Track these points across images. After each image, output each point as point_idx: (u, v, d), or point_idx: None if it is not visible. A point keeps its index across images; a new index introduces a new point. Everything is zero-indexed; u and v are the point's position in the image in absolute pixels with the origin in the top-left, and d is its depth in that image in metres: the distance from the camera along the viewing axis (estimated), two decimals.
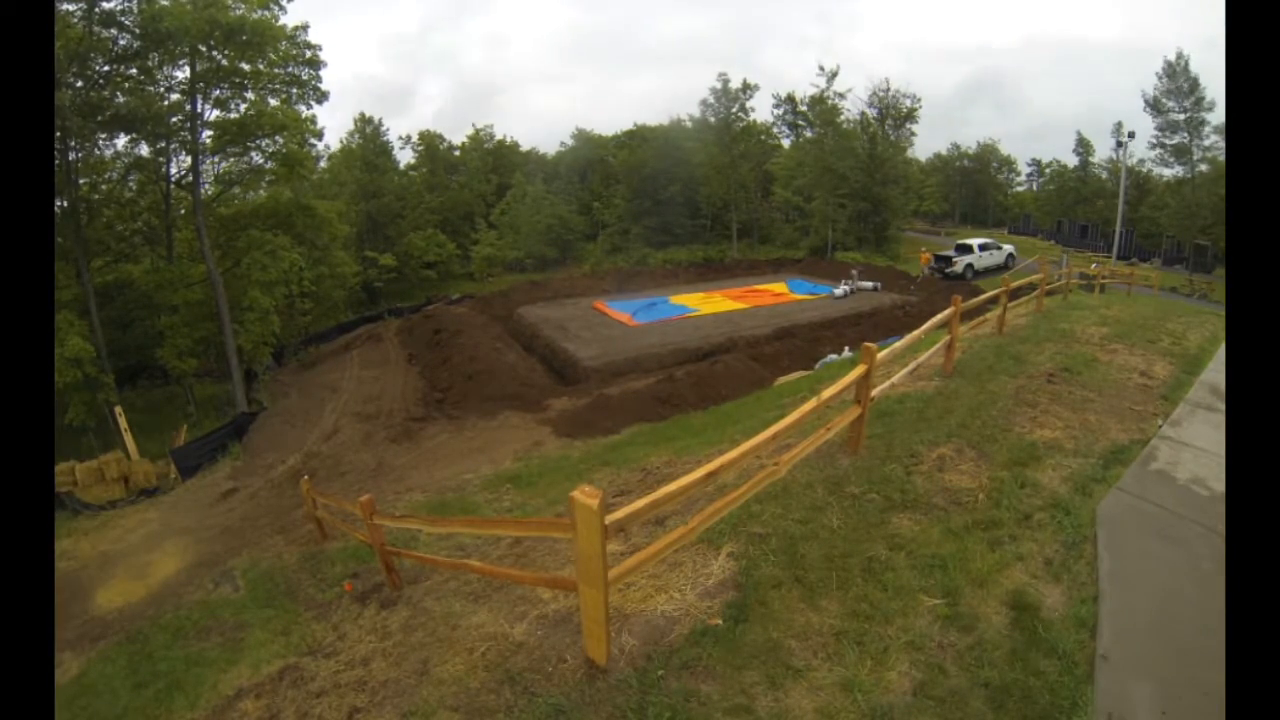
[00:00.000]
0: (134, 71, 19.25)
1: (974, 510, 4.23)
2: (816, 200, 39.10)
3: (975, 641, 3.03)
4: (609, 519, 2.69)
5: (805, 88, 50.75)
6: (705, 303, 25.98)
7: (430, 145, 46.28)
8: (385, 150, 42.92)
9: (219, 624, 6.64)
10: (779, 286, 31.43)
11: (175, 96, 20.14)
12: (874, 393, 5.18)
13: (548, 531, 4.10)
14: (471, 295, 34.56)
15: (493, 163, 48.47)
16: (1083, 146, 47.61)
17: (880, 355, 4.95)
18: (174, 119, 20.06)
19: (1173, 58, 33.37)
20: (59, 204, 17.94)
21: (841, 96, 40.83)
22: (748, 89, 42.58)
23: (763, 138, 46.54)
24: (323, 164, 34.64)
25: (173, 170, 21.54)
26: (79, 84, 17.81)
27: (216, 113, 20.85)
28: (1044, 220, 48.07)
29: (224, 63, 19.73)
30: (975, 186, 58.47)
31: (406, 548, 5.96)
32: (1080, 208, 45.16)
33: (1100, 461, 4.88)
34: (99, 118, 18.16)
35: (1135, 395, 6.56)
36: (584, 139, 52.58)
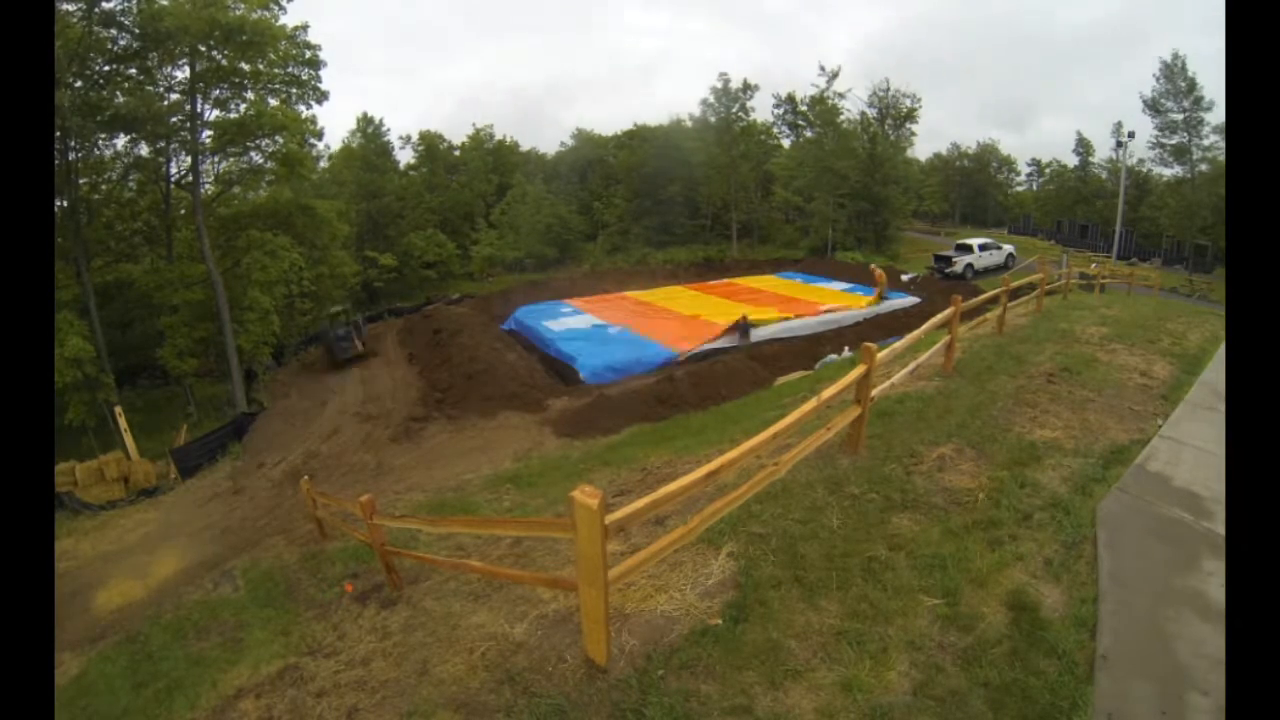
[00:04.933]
0: (134, 71, 19.26)
1: (974, 510, 4.23)
2: (816, 200, 39.12)
3: (975, 641, 3.03)
4: (609, 519, 2.69)
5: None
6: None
7: (430, 145, 46.28)
8: (385, 150, 42.95)
9: (219, 624, 6.64)
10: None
11: (175, 96, 20.15)
12: (874, 393, 5.18)
13: (548, 531, 4.10)
14: (471, 295, 34.57)
15: (493, 163, 48.47)
16: (1083, 146, 47.66)
17: (880, 355, 4.95)
18: (174, 119, 20.06)
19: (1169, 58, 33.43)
20: (59, 204, 17.94)
21: (841, 96, 40.92)
22: (748, 89, 42.66)
23: (763, 138, 46.55)
24: (323, 164, 34.62)
25: (173, 170, 21.56)
26: (79, 84, 17.81)
27: (216, 113, 20.87)
28: (1044, 220, 48.09)
29: (224, 63, 19.72)
30: (975, 186, 58.48)
31: (406, 548, 5.96)
32: (1080, 208, 45.17)
33: (1100, 461, 4.88)
34: (99, 118, 18.16)
35: (1135, 395, 6.56)
36: (584, 139, 52.59)
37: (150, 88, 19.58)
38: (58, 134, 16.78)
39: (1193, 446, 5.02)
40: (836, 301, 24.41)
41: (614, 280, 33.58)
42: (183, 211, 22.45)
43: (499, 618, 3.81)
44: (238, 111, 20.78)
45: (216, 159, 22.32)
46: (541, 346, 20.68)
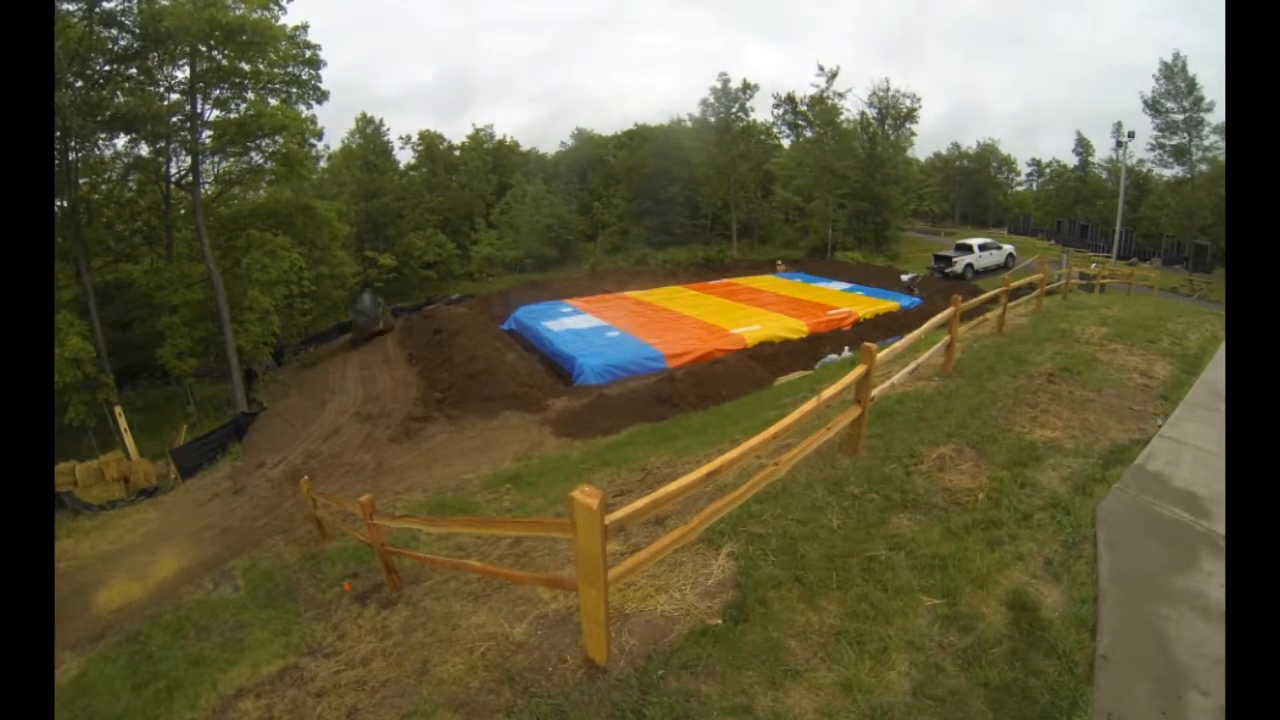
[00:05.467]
0: (134, 71, 19.25)
1: (974, 510, 4.23)
2: (816, 200, 39.13)
3: (975, 641, 3.03)
4: (609, 519, 2.69)
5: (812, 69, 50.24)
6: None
7: (430, 145, 46.28)
8: (385, 150, 42.94)
9: (219, 624, 6.65)
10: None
11: (175, 96, 20.14)
12: (874, 393, 5.18)
13: (548, 531, 4.10)
14: (471, 295, 34.58)
15: (493, 163, 48.48)
16: (1083, 146, 47.71)
17: (880, 355, 4.95)
18: (174, 119, 20.05)
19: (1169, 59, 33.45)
20: (59, 204, 17.93)
21: (841, 96, 40.93)
22: (748, 89, 42.67)
23: (763, 138, 46.54)
24: (322, 164, 34.63)
25: (173, 170, 21.55)
26: (79, 84, 17.80)
27: (216, 113, 20.86)
28: (1044, 220, 48.10)
29: (224, 63, 19.72)
30: (975, 186, 58.48)
31: (406, 548, 5.97)
32: (1080, 208, 45.20)
33: (1100, 461, 4.88)
34: (99, 118, 18.14)
35: (1135, 395, 6.56)
36: (584, 139, 52.62)
37: (150, 88, 19.56)
38: (58, 134, 16.77)
39: (1193, 446, 5.02)
40: (839, 303, 24.37)
41: (614, 280, 33.59)
42: (183, 211, 22.45)
43: (499, 618, 3.81)
44: (238, 111, 20.77)
45: (216, 159, 22.32)
46: (541, 346, 20.66)
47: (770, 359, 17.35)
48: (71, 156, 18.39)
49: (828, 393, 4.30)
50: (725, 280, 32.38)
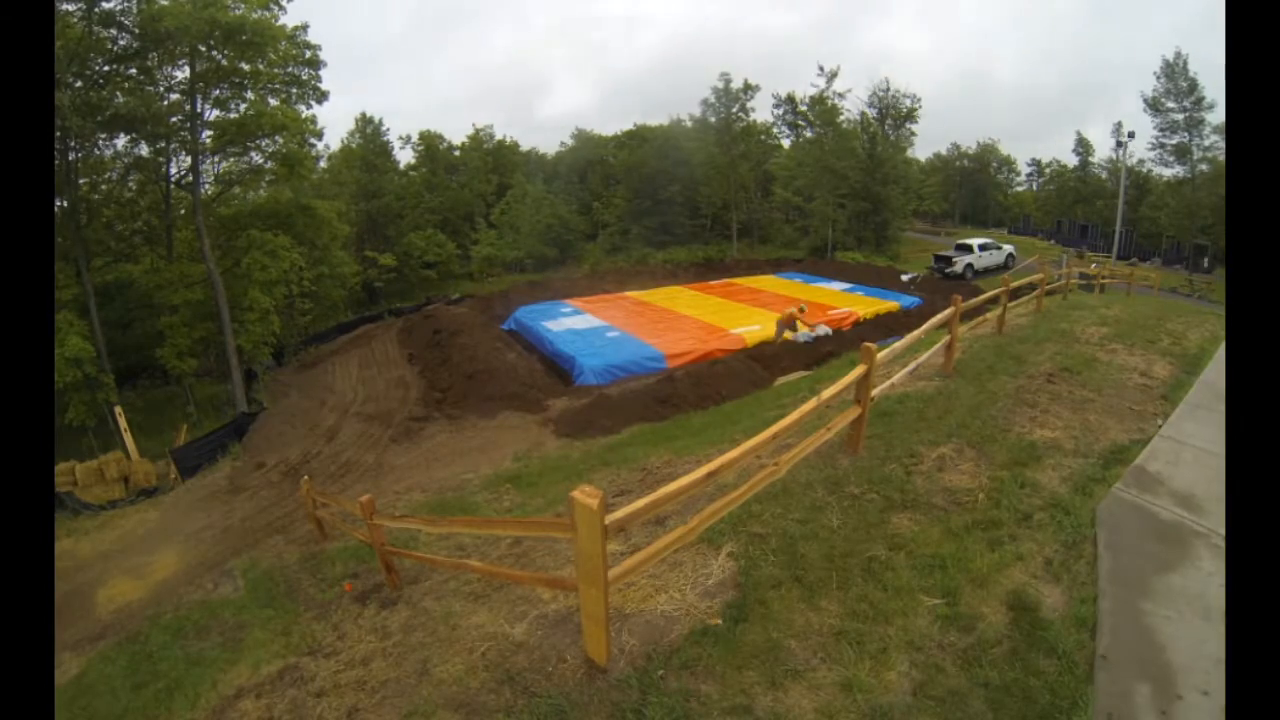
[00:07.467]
0: (134, 71, 19.24)
1: (974, 510, 4.23)
2: (816, 200, 39.13)
3: (975, 641, 3.03)
4: (609, 519, 2.69)
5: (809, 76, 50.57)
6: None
7: (430, 145, 46.28)
8: (385, 150, 42.95)
9: (219, 624, 6.65)
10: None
11: (175, 96, 20.13)
12: (874, 393, 5.18)
13: (548, 531, 4.09)
14: (471, 295, 34.57)
15: (493, 163, 48.49)
16: (1083, 146, 47.73)
17: (880, 355, 4.95)
18: (174, 119, 20.04)
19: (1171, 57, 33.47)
20: (59, 204, 17.94)
21: (841, 96, 40.94)
22: (748, 89, 42.68)
23: (763, 138, 46.56)
24: (323, 164, 34.63)
25: (172, 170, 21.54)
26: (79, 84, 17.80)
27: (216, 113, 20.85)
28: (1044, 220, 48.13)
29: (224, 63, 19.72)
30: (975, 186, 58.52)
31: (406, 548, 5.96)
32: (1080, 207, 45.23)
33: (1100, 461, 4.88)
34: (99, 118, 18.13)
35: (1135, 395, 6.56)
36: (584, 139, 52.63)
37: (150, 88, 19.54)
38: (58, 134, 16.77)
39: (1193, 446, 5.02)
40: (839, 303, 24.35)
41: (614, 280, 33.58)
42: (183, 211, 22.45)
43: (499, 618, 3.81)
44: (238, 111, 20.76)
45: (216, 159, 22.31)
46: (541, 347, 20.64)
47: (770, 359, 17.31)
48: (71, 157, 18.39)
49: (828, 393, 4.30)
50: (725, 280, 32.35)
